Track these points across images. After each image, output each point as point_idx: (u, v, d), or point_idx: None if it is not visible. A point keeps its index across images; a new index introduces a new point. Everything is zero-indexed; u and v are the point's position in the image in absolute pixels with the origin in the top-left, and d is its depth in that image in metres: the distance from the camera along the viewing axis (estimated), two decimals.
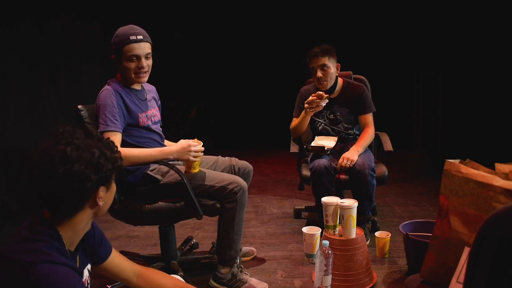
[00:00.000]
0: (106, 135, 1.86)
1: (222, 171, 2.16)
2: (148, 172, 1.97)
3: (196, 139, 1.99)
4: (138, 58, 1.92)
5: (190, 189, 1.88)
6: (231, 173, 2.17)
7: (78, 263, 1.21)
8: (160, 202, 1.96)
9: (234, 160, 2.24)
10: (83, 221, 1.17)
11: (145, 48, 1.93)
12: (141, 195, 1.97)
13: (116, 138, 1.88)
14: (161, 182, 1.94)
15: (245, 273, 2.04)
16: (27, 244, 1.07)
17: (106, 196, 1.19)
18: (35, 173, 1.08)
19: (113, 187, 1.22)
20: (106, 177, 1.15)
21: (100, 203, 1.16)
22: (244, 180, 2.17)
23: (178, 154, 1.90)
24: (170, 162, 1.98)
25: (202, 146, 1.96)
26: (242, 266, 2.07)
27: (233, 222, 1.95)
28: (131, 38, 1.90)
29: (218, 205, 1.94)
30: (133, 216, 2.00)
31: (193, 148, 1.90)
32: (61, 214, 1.13)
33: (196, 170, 1.96)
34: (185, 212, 1.97)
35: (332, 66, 2.60)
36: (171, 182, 1.93)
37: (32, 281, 1.01)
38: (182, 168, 1.98)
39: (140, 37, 1.92)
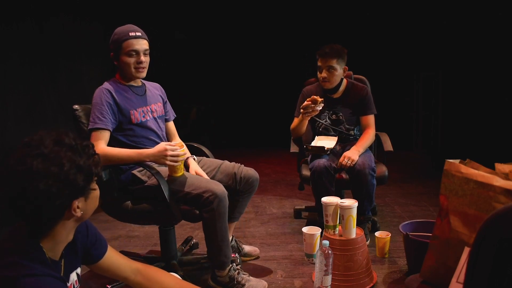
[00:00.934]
0: (94, 132, 1.90)
1: (223, 178, 2.10)
2: (136, 172, 1.98)
3: (180, 142, 1.96)
4: (137, 53, 1.97)
5: (167, 194, 1.84)
6: (232, 182, 2.10)
7: (62, 271, 1.18)
8: (145, 204, 1.96)
9: (238, 168, 2.13)
10: (63, 232, 1.14)
11: (143, 44, 1.99)
12: (130, 195, 1.99)
13: (104, 135, 1.91)
14: (146, 184, 1.94)
15: (243, 274, 2.01)
16: (7, 257, 1.04)
17: (87, 204, 1.14)
18: (5, 190, 1.04)
19: (94, 193, 1.16)
20: (79, 189, 1.08)
21: (78, 214, 1.11)
22: (246, 190, 2.13)
23: (155, 157, 1.87)
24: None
25: (183, 149, 1.92)
26: (239, 267, 2.02)
27: (215, 231, 1.89)
28: (130, 34, 1.95)
29: (196, 212, 1.92)
30: (119, 213, 2.03)
31: (169, 153, 1.85)
32: (37, 228, 1.10)
33: (178, 174, 1.91)
34: (164, 217, 1.96)
35: (339, 68, 2.60)
36: (154, 184, 1.91)
37: None
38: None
39: (138, 33, 1.98)
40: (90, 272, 1.36)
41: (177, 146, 1.90)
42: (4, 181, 1.04)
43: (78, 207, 1.10)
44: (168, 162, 1.86)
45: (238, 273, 1.99)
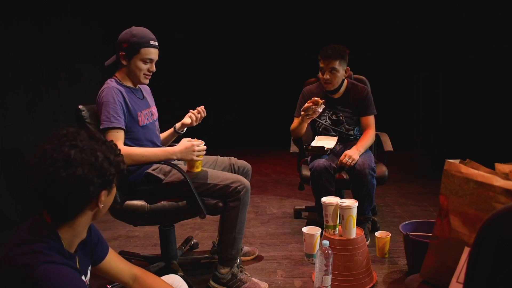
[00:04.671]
0: (110, 132, 1.88)
1: (222, 170, 2.17)
2: (150, 171, 1.97)
3: (196, 138, 1.99)
4: (151, 61, 2.00)
5: (193, 188, 1.88)
6: (231, 172, 2.18)
7: (78, 265, 1.20)
8: (162, 202, 1.96)
9: (233, 159, 2.26)
10: (83, 224, 1.16)
11: (157, 54, 2.02)
12: (143, 195, 1.97)
13: (120, 135, 1.90)
14: (164, 182, 1.94)
15: (245, 273, 2.04)
16: (25, 246, 1.05)
17: (107, 199, 1.18)
18: (37, 177, 1.06)
19: (114, 190, 1.21)
20: (109, 181, 1.13)
21: (100, 206, 1.15)
22: None
23: (182, 154, 1.90)
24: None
25: (204, 145, 1.97)
26: (242, 266, 2.07)
27: (236, 221, 1.95)
28: (151, 43, 1.97)
29: (220, 204, 1.95)
30: (135, 216, 1.98)
31: (196, 148, 1.90)
32: (61, 217, 1.12)
33: (199, 169, 1.97)
34: (188, 212, 1.96)
35: (341, 69, 2.60)
36: (174, 181, 1.93)
37: (33, 283, 0.99)
38: (184, 167, 1.99)
39: (156, 43, 2.00)
40: (90, 272, 1.36)
41: (199, 141, 1.95)
42: (38, 168, 1.06)
43: (102, 200, 1.14)
44: (195, 158, 1.91)
45: (241, 271, 2.02)
